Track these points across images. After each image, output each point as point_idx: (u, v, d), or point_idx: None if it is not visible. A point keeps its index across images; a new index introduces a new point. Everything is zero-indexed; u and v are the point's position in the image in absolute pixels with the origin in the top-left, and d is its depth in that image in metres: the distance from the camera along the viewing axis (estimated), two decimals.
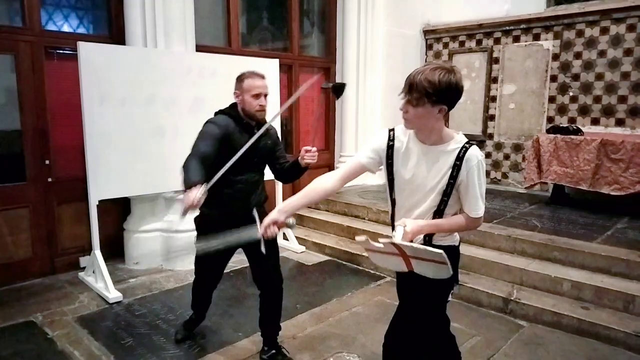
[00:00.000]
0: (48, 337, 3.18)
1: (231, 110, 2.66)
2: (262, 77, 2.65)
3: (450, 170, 1.83)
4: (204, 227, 2.76)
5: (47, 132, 4.14)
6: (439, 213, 1.91)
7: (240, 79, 2.64)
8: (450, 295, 1.98)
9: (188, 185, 2.26)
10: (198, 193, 2.19)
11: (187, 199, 2.19)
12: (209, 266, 2.94)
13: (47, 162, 4.17)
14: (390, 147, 1.95)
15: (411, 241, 1.79)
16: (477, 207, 1.86)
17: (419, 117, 1.79)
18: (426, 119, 1.79)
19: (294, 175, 2.81)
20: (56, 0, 4.36)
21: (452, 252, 1.97)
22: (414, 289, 1.98)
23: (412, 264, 1.79)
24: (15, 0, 4.02)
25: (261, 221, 2.04)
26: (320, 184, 2.01)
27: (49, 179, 4.20)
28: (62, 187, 4.27)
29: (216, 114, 2.71)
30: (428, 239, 1.94)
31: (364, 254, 4.63)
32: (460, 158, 1.82)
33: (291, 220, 1.97)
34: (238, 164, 2.43)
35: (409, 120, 1.83)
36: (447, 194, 1.87)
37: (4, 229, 4.01)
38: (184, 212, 2.25)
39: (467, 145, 1.84)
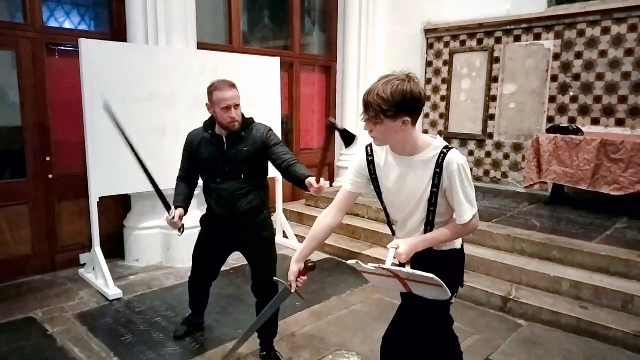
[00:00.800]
0: (48, 333, 3.19)
1: (207, 121, 2.71)
2: (232, 86, 2.57)
3: (432, 179, 1.78)
4: (204, 225, 2.94)
5: (48, 129, 4.15)
6: (429, 224, 1.87)
7: (209, 91, 2.59)
8: (453, 298, 1.90)
9: (168, 208, 2.62)
10: (175, 216, 2.59)
11: (168, 221, 2.61)
12: (209, 262, 2.96)
13: (47, 158, 4.17)
14: (370, 163, 1.93)
15: (404, 264, 1.76)
16: (462, 212, 1.78)
17: (384, 133, 1.74)
18: (392, 133, 1.73)
19: (296, 184, 2.64)
20: None
21: (454, 256, 1.97)
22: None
23: (409, 286, 1.78)
24: None
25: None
26: (322, 224, 2.02)
27: (50, 176, 4.20)
28: (62, 183, 4.27)
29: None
30: (428, 248, 1.86)
31: (363, 252, 4.64)
32: (439, 165, 1.76)
33: (310, 264, 2.11)
34: (212, 173, 2.65)
35: (377, 138, 1.79)
36: (432, 203, 1.82)
37: (4, 225, 4.02)
38: (178, 230, 2.67)
39: (444, 151, 1.77)
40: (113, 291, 3.76)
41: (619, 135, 5.19)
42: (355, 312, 3.59)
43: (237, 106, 2.56)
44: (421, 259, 1.82)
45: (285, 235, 5.20)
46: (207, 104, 2.62)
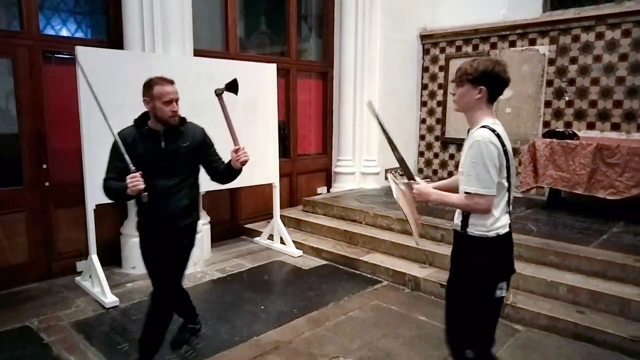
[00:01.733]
0: (44, 342, 3.17)
1: (137, 119, 2.63)
2: (172, 82, 2.59)
3: (468, 150, 1.99)
4: (144, 232, 2.76)
5: (45, 137, 4.14)
6: None
7: (149, 85, 2.55)
8: (499, 290, 2.01)
9: (122, 187, 2.41)
10: (136, 178, 2.38)
11: (131, 189, 2.37)
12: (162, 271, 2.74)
13: (44, 166, 4.17)
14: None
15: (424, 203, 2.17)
16: (465, 182, 1.96)
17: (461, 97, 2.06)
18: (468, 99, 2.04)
19: (228, 177, 2.78)
20: (54, 4, 4.37)
21: (484, 244, 2.01)
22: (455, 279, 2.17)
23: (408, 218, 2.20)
24: (14, 5, 4.02)
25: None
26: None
27: (46, 183, 4.20)
28: (59, 191, 4.26)
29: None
30: (463, 225, 2.05)
31: (361, 257, 4.64)
32: (471, 138, 1.99)
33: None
34: (148, 170, 2.48)
35: (456, 101, 2.11)
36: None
37: (1, 233, 4.00)
38: (141, 196, 2.41)
39: (480, 127, 1.98)
40: (110, 299, 3.74)
41: (615, 139, 5.23)
42: (353, 319, 3.58)
43: (177, 101, 2.57)
44: (458, 239, 2.11)
45: (282, 242, 5.20)
46: (144, 99, 2.56)
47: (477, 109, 2.02)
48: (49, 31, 4.28)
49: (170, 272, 2.71)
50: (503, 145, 1.95)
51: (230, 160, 2.69)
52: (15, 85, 3.98)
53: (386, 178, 2.38)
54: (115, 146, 2.52)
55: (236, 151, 2.65)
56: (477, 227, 2.01)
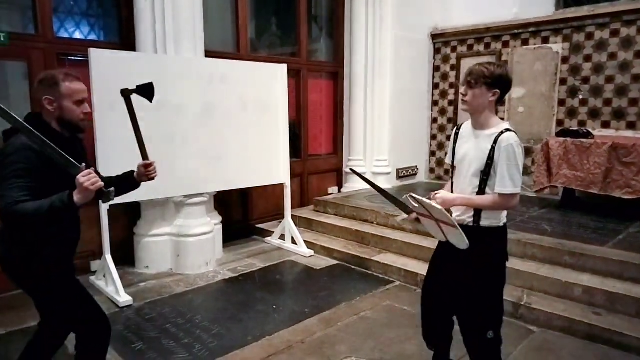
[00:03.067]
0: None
1: (30, 122, 1.92)
2: (79, 78, 2.15)
3: (488, 152, 2.13)
4: (61, 267, 2.19)
5: None
6: (480, 193, 2.19)
7: (51, 82, 2.03)
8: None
9: (65, 197, 1.86)
10: (91, 174, 1.87)
11: (91, 189, 1.87)
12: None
13: None
14: (456, 134, 2.38)
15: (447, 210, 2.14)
16: (503, 184, 2.10)
17: (475, 98, 2.18)
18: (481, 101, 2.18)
19: (124, 190, 2.39)
20: (68, 7, 4.43)
21: (496, 232, 2.23)
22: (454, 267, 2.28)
23: (444, 231, 2.16)
24: (28, 9, 4.08)
25: None
26: None
27: None
28: None
29: (7, 135, 2.04)
30: (476, 219, 2.20)
31: (372, 258, 4.63)
32: (496, 141, 2.11)
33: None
34: (67, 183, 1.90)
35: (467, 102, 2.21)
36: (485, 173, 2.15)
37: None
38: (105, 193, 1.96)
39: (503, 131, 2.13)
40: (123, 298, 3.78)
41: (630, 138, 5.14)
42: (365, 319, 3.57)
43: (86, 100, 2.17)
44: (467, 233, 2.11)
45: (293, 242, 5.20)
46: (46, 98, 2.02)
47: (489, 110, 2.20)
48: (63, 34, 4.34)
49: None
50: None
51: (131, 171, 2.36)
52: (31, 88, 4.04)
53: (410, 212, 2.35)
54: (27, 161, 1.90)
55: (147, 166, 2.34)
56: (491, 220, 2.21)
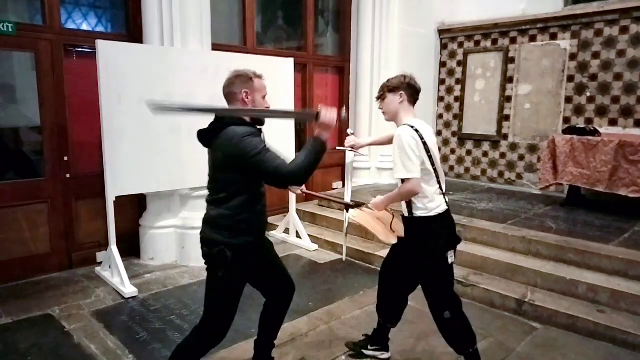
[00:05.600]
0: (65, 330, 3.24)
1: (229, 120, 2.27)
2: (263, 77, 2.41)
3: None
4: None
5: (66, 129, 4.22)
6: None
7: (247, 78, 2.31)
8: (449, 259, 2.48)
9: (319, 141, 2.16)
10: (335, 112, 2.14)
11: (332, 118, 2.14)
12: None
13: (65, 158, 4.24)
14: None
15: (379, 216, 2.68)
16: (395, 170, 2.40)
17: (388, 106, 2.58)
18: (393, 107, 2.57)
19: None
20: None
21: (428, 222, 2.45)
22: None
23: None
24: None
25: None
26: None
27: (67, 175, 4.27)
28: (79, 183, 4.34)
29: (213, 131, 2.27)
30: (409, 210, 2.48)
31: (376, 252, 4.63)
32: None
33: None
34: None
35: (384, 112, 2.63)
36: None
37: (24, 223, 4.10)
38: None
39: (401, 126, 2.46)
40: (129, 289, 3.80)
41: (638, 136, 5.10)
42: (369, 313, 3.57)
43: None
44: (407, 223, 2.55)
45: (298, 236, 5.22)
46: (245, 91, 2.31)
47: (403, 112, 2.53)
48: (71, 25, 4.35)
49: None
50: (422, 137, 2.40)
51: None
52: (38, 78, 4.06)
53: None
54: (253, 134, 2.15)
55: None
56: (421, 210, 2.44)
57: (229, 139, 2.12)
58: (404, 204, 2.53)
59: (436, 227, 2.47)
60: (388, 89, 2.54)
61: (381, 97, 2.58)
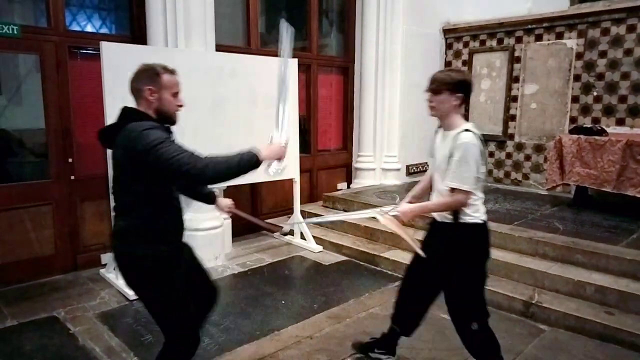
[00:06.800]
0: (70, 332, 3.24)
1: (133, 116, 2.04)
2: (175, 72, 2.20)
3: (450, 151, 2.27)
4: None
5: (71, 131, 4.22)
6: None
7: (153, 73, 2.09)
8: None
9: (252, 153, 1.95)
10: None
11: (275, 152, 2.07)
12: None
13: (70, 160, 4.24)
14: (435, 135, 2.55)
15: (404, 223, 2.41)
16: (450, 178, 2.24)
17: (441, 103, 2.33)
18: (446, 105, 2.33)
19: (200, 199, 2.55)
20: (80, 1, 4.44)
21: (470, 228, 2.34)
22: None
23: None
24: (41, 1, 4.10)
25: None
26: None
27: (72, 177, 4.27)
28: (84, 184, 4.34)
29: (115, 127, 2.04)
30: (455, 215, 2.33)
31: (381, 254, 4.61)
32: (455, 140, 2.26)
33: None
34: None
35: (434, 107, 2.37)
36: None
37: (29, 225, 4.10)
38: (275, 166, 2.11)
39: (462, 130, 2.26)
40: (133, 291, 3.79)
41: None
42: (374, 315, 3.56)
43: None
44: (437, 228, 2.45)
45: (302, 237, 5.20)
46: (149, 89, 2.07)
47: (454, 113, 2.34)
48: (75, 27, 4.36)
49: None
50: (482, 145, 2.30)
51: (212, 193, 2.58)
52: (43, 80, 4.06)
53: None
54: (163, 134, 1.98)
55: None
56: (467, 216, 2.32)
57: (129, 133, 1.92)
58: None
59: (483, 234, 2.39)
60: (448, 86, 2.29)
61: (436, 92, 2.33)
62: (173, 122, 2.18)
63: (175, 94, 2.15)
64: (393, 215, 2.43)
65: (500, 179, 6.70)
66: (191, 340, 2.15)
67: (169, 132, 2.11)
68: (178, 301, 2.10)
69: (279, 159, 2.12)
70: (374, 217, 2.49)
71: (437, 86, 2.31)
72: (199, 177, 1.88)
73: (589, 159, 4.86)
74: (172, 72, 2.14)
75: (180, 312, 2.11)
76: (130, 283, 2.15)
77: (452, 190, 2.25)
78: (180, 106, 2.19)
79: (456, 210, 2.32)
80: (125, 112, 2.06)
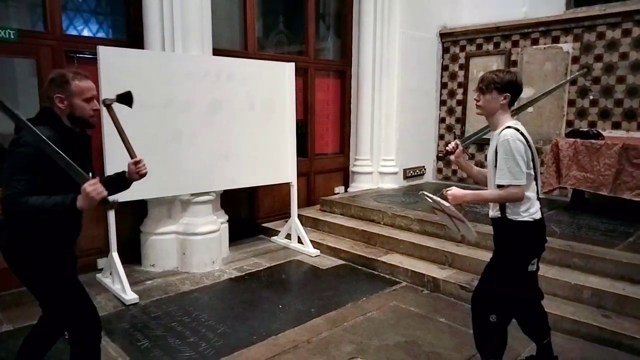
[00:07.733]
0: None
1: (44, 117, 2.11)
2: (88, 77, 2.20)
3: (495, 148, 2.36)
4: (60, 257, 2.23)
5: None
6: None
7: (63, 80, 2.10)
8: (530, 267, 2.43)
9: (68, 200, 1.92)
10: (96, 183, 1.92)
11: (94, 195, 1.90)
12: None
13: None
14: None
15: (458, 205, 2.42)
16: (499, 175, 2.29)
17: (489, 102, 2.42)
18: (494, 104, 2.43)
19: (116, 190, 2.43)
20: (77, 5, 4.44)
21: (519, 226, 2.37)
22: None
23: (456, 224, 2.48)
24: (38, 6, 4.10)
25: None
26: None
27: None
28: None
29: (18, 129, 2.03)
30: (502, 212, 2.39)
31: (379, 258, 4.60)
32: (498, 137, 2.33)
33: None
34: (72, 180, 1.97)
35: (481, 106, 2.48)
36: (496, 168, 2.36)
37: None
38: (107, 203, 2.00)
39: (505, 128, 2.33)
40: (130, 296, 3.78)
41: None
42: (371, 319, 3.55)
43: (95, 97, 2.23)
44: (498, 225, 2.47)
45: (300, 241, 5.19)
46: (57, 96, 2.09)
47: (501, 112, 2.41)
48: (72, 31, 4.35)
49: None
50: (527, 141, 2.33)
51: (123, 172, 2.44)
52: (39, 85, 4.05)
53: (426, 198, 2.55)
54: (30, 154, 1.95)
55: (137, 163, 2.39)
56: (515, 214, 2.35)
57: (21, 135, 1.99)
58: (495, 205, 2.45)
59: (529, 233, 2.40)
60: (496, 85, 2.36)
61: (484, 91, 2.41)
62: (90, 126, 2.24)
63: (88, 99, 2.16)
64: (442, 197, 2.46)
65: None
66: (91, 327, 2.36)
67: (83, 137, 2.24)
68: (65, 285, 2.26)
69: None
70: (435, 202, 2.50)
71: (484, 85, 2.39)
72: (7, 208, 1.95)
73: (586, 162, 4.88)
74: (83, 77, 2.16)
75: (73, 297, 2.29)
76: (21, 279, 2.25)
77: (504, 187, 2.29)
78: (96, 110, 2.22)
79: (504, 206, 2.37)
80: (41, 112, 2.14)
